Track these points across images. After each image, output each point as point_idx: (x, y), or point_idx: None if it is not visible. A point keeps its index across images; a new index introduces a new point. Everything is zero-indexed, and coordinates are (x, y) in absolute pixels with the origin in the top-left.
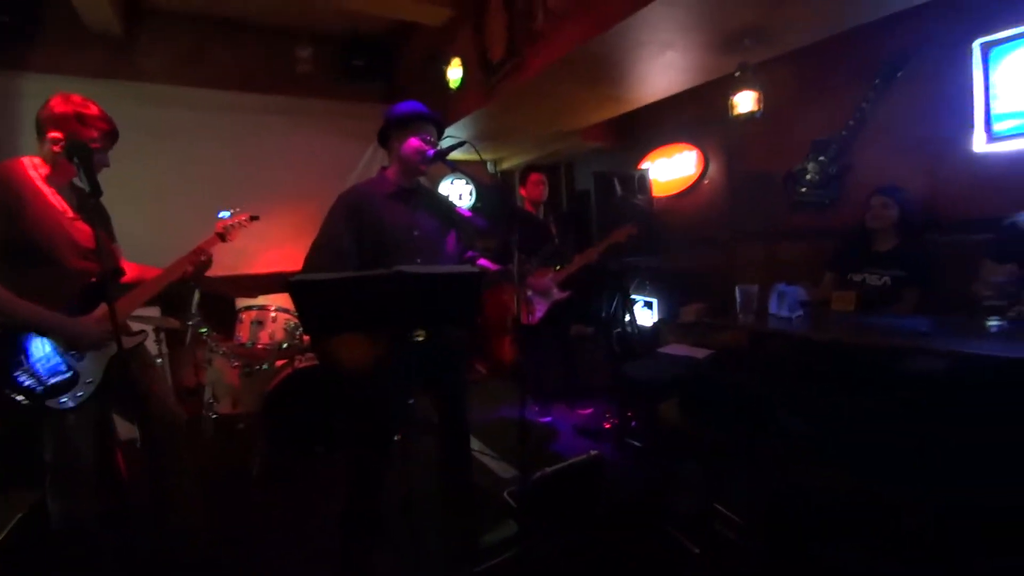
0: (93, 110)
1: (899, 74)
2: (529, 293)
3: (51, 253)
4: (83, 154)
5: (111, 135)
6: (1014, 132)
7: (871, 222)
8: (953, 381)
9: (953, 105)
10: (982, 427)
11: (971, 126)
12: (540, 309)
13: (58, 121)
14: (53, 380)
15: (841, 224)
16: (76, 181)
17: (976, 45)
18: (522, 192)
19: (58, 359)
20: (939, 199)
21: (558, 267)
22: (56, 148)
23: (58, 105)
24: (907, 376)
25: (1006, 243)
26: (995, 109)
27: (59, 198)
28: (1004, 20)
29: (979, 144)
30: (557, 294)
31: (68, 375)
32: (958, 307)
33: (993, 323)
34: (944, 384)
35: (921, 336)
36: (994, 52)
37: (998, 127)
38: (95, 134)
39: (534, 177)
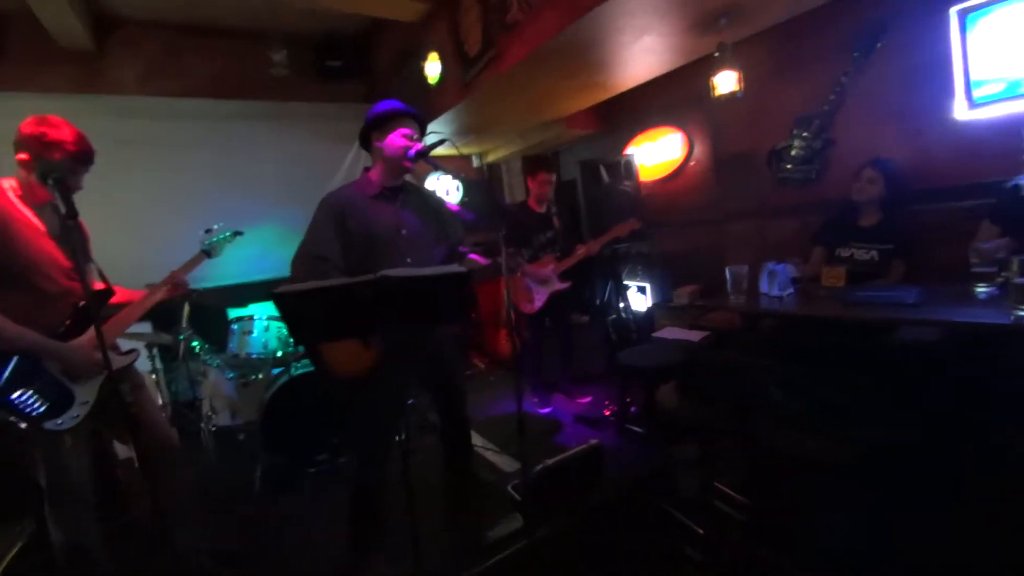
0: (62, 133)
1: (878, 45)
2: (528, 282)
3: (36, 274)
4: (57, 175)
5: (78, 157)
6: (993, 98)
7: (857, 195)
8: (944, 350)
9: (933, 74)
10: (971, 394)
11: (952, 94)
12: (540, 298)
13: (24, 143)
14: (50, 402)
15: (827, 198)
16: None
17: (953, 12)
18: (531, 185)
19: (54, 381)
20: (923, 168)
21: (559, 256)
22: (24, 170)
23: (26, 127)
24: (897, 347)
25: (1007, 205)
26: (974, 76)
27: (39, 219)
28: None
29: (960, 111)
30: (557, 284)
31: (64, 397)
32: (947, 274)
33: (982, 290)
34: (936, 353)
35: (910, 307)
36: (970, 18)
37: (977, 93)
38: (58, 156)
39: (542, 176)
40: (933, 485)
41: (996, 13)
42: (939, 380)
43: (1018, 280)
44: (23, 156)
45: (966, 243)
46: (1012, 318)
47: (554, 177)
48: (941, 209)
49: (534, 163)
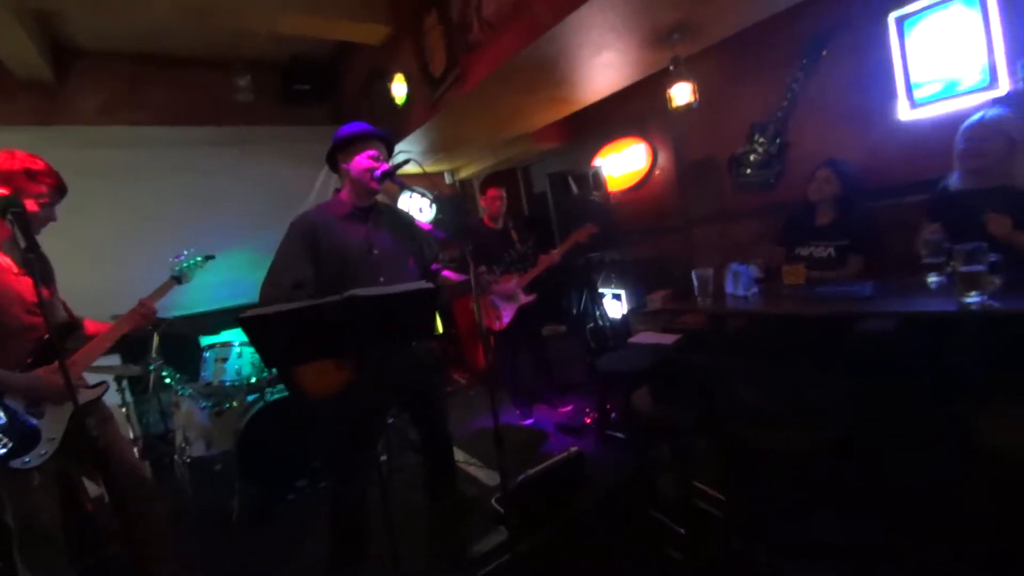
0: (40, 165)
1: (824, 52)
2: (494, 299)
3: None
4: (16, 211)
5: (59, 189)
6: (933, 98)
7: (812, 194)
8: (902, 338)
9: (877, 77)
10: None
11: (895, 95)
12: (507, 314)
13: (7, 177)
14: (15, 440)
15: (786, 199)
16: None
17: (891, 18)
18: (482, 203)
19: (18, 418)
20: (873, 167)
21: (524, 271)
22: None
23: (4, 162)
24: (857, 338)
25: (939, 203)
26: (914, 77)
27: (2, 255)
28: None
29: (904, 112)
30: (523, 298)
31: (30, 434)
32: (901, 267)
33: (933, 279)
34: (894, 341)
35: (866, 300)
36: (907, 23)
37: (918, 94)
38: (44, 189)
39: (491, 192)
40: (904, 470)
41: (930, 18)
42: (898, 367)
43: (963, 269)
44: (4, 190)
45: (916, 236)
46: (959, 305)
47: (504, 192)
48: (891, 205)
49: (484, 182)
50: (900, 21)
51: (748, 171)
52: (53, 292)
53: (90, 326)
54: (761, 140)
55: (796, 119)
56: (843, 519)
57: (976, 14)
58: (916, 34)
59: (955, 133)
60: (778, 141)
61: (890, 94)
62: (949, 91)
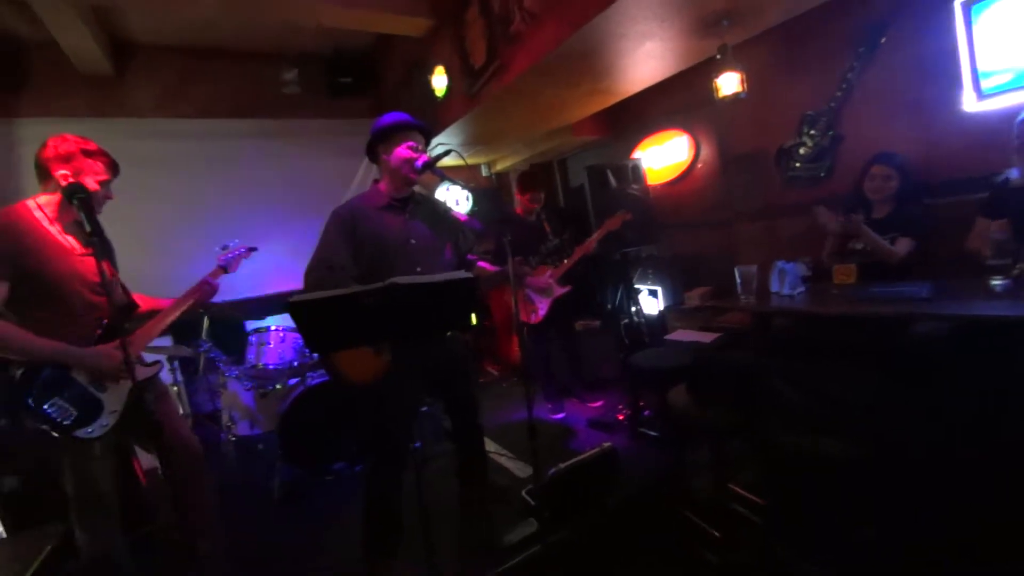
0: (93, 145)
1: (882, 40)
2: (529, 292)
3: (63, 291)
4: (81, 195)
5: (113, 167)
6: (1002, 88)
7: (872, 194)
8: (958, 344)
9: (940, 66)
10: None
11: (959, 86)
12: (543, 307)
13: (66, 158)
14: (80, 411)
15: (837, 193)
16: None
17: (957, 4)
18: (518, 197)
19: (83, 390)
20: (933, 161)
21: (558, 263)
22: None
23: (60, 144)
24: (911, 343)
25: (999, 199)
26: (981, 67)
27: (67, 236)
28: None
29: (969, 103)
30: (557, 290)
31: (93, 406)
32: (962, 267)
33: (997, 282)
34: (950, 347)
35: (922, 302)
36: (975, 9)
37: (985, 84)
38: (101, 166)
39: (529, 194)
40: (949, 480)
41: (1000, 3)
42: (953, 374)
43: None
44: (66, 171)
45: (969, 234)
46: None
47: (542, 195)
48: (953, 202)
49: (527, 182)
50: (967, 7)
51: (798, 164)
52: (114, 273)
53: (147, 302)
54: (812, 132)
55: (850, 110)
56: (888, 532)
57: None
58: (984, 20)
59: None
60: (830, 133)
61: (954, 84)
62: (1020, 82)
